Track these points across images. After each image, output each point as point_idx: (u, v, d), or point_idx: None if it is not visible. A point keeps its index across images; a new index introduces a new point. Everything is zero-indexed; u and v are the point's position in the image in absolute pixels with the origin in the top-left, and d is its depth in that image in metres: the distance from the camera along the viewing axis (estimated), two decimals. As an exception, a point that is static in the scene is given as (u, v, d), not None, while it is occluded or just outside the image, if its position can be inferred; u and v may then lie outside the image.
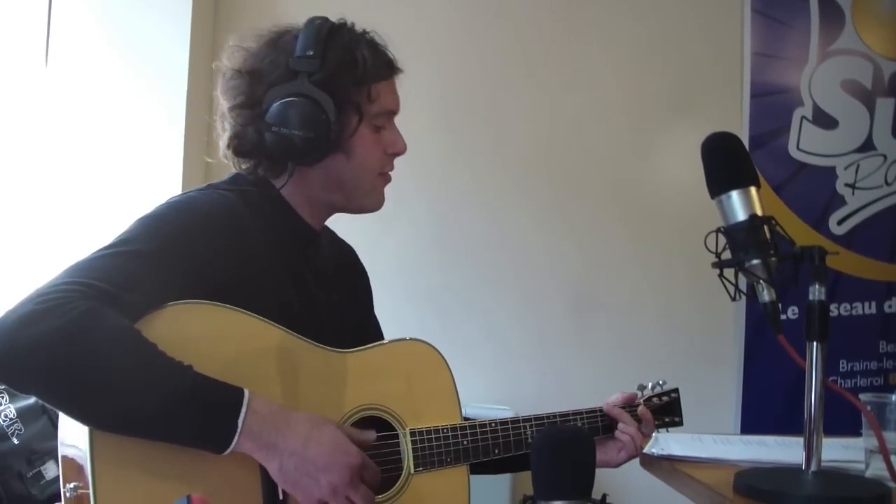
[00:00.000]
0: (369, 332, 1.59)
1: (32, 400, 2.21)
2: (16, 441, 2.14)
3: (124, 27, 2.78)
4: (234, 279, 1.24)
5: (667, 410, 1.64)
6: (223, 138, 1.38)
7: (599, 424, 1.55)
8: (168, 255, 1.19)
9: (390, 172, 1.45)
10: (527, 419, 1.48)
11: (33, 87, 2.78)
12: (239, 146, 1.36)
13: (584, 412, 1.55)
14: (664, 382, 1.67)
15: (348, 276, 1.58)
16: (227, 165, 1.42)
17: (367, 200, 1.43)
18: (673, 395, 1.67)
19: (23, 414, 2.18)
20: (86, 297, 1.07)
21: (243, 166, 1.39)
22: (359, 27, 1.41)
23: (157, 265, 1.17)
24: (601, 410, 1.56)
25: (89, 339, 1.05)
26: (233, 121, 1.36)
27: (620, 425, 1.54)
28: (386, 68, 1.40)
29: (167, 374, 1.10)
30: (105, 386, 1.07)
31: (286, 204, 1.39)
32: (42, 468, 2.14)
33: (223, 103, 1.37)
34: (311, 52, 1.32)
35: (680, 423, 1.65)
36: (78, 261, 1.14)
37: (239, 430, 1.12)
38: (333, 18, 1.39)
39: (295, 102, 1.30)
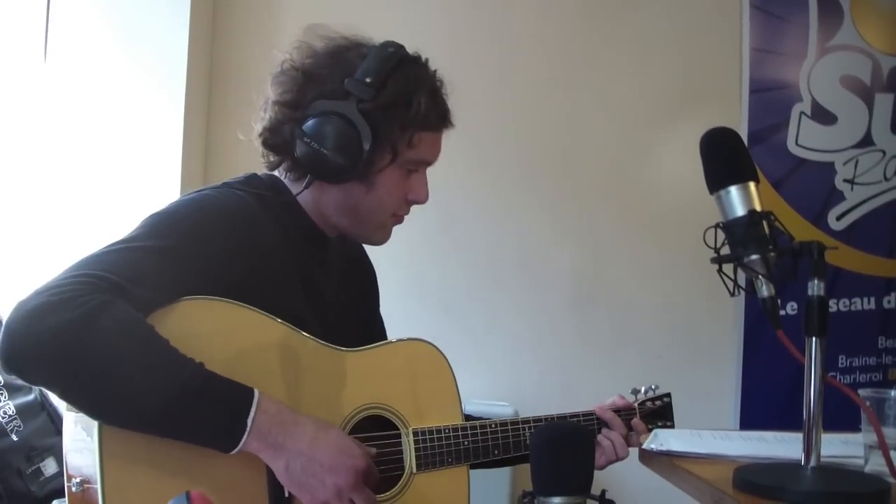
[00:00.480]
0: (374, 330, 1.60)
1: (32, 396, 2.21)
2: (15, 438, 2.14)
3: (123, 21, 2.77)
4: (245, 278, 1.24)
5: (659, 415, 1.66)
6: (258, 126, 1.37)
7: (595, 427, 1.57)
8: (180, 252, 1.18)
9: (404, 216, 1.43)
10: (526, 420, 1.49)
11: (32, 83, 2.77)
12: (269, 139, 1.36)
13: (581, 414, 1.57)
14: (656, 387, 1.68)
15: (356, 274, 1.58)
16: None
17: (372, 235, 1.43)
18: (665, 399, 1.68)
19: (22, 410, 2.18)
20: (98, 289, 1.07)
21: (271, 158, 1.39)
22: (431, 65, 1.39)
23: (170, 262, 1.17)
24: (594, 413, 1.58)
25: (101, 332, 1.05)
26: (273, 114, 1.35)
27: (604, 430, 1.56)
28: (438, 120, 1.38)
29: (178, 371, 1.10)
30: (115, 381, 1.06)
31: (300, 208, 1.39)
32: (41, 465, 2.14)
33: (271, 93, 1.36)
34: (370, 80, 1.30)
35: (671, 428, 1.66)
36: (89, 254, 1.14)
37: (248, 429, 1.12)
38: (410, 49, 1.36)
39: (335, 123, 1.29)
